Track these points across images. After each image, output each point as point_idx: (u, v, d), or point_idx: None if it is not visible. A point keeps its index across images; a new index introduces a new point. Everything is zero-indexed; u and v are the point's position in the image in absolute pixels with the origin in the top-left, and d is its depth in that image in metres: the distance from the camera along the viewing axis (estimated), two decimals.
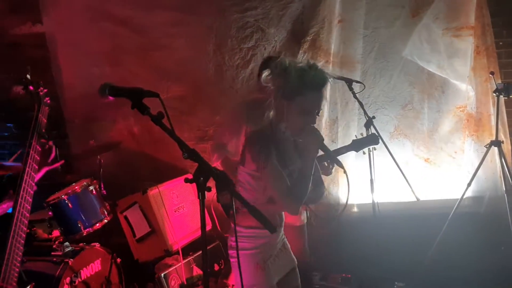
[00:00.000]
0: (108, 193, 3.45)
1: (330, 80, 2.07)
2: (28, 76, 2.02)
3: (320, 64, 3.66)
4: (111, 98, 1.63)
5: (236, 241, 2.02)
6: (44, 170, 1.91)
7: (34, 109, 1.93)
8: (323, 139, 2.12)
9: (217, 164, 2.99)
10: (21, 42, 4.14)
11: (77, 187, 3.21)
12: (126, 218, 3.52)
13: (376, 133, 2.94)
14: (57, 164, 1.90)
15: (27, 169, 1.72)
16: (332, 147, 3.71)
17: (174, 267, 3.40)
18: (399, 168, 2.99)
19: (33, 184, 1.73)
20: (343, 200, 3.87)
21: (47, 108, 1.96)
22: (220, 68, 3.85)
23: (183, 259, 3.43)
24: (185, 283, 3.40)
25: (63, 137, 4.13)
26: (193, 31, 3.81)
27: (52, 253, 3.06)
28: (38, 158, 1.77)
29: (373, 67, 3.81)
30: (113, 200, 3.48)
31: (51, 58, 4.02)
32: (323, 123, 3.81)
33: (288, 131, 2.13)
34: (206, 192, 1.53)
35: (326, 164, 2.86)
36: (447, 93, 3.78)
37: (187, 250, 3.52)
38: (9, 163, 3.64)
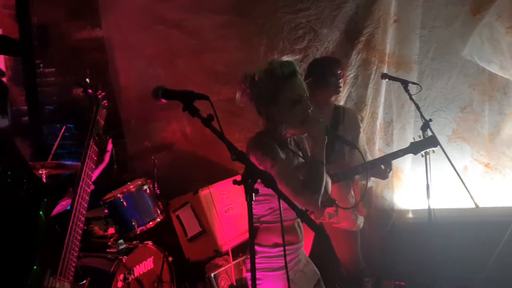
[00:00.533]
0: (161, 193, 3.54)
1: (295, 66, 2.07)
2: (87, 80, 2.11)
3: (374, 65, 3.64)
4: (163, 100, 1.68)
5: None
6: (100, 169, 1.97)
7: (93, 111, 2.00)
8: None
9: None
10: (81, 46, 4.32)
11: (132, 186, 3.30)
12: (178, 217, 3.58)
13: (434, 137, 2.84)
14: (102, 165, 1.96)
15: (84, 168, 1.79)
16: (387, 150, 3.63)
17: (224, 267, 3.42)
18: (457, 173, 2.86)
19: (90, 182, 1.80)
20: (397, 205, 3.77)
21: (104, 110, 2.05)
22: None
23: (233, 260, 3.45)
24: (235, 284, 3.42)
25: (120, 138, 4.27)
26: (244, 33, 3.82)
27: (107, 250, 3.16)
28: (95, 158, 1.84)
29: (430, 68, 3.68)
30: (166, 200, 3.55)
31: (108, 61, 4.17)
32: (377, 126, 3.72)
33: (289, 131, 2.09)
34: (254, 194, 1.53)
35: (383, 168, 2.79)
36: (510, 95, 3.58)
37: (237, 251, 3.53)
38: (68, 162, 3.80)
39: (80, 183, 1.78)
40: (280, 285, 2.08)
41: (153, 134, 4.04)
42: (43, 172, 2.96)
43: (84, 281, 1.77)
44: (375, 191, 3.75)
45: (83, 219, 1.77)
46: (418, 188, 3.24)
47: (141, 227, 3.22)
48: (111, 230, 3.34)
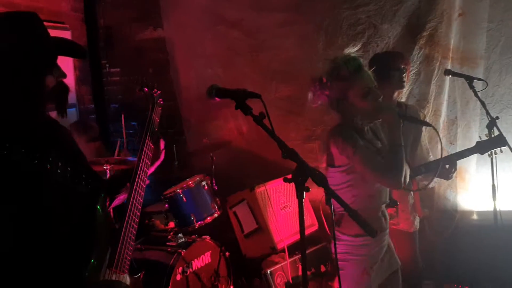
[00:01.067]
0: (219, 189, 3.61)
1: (359, 60, 2.14)
2: (144, 79, 2.20)
3: (437, 61, 3.51)
4: (217, 99, 1.73)
5: (335, 248, 2.00)
6: (156, 165, 2.05)
7: (149, 109, 2.08)
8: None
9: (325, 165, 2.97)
10: (144, 46, 4.49)
11: (191, 182, 3.39)
12: (235, 213, 3.63)
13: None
14: (158, 162, 2.04)
15: (140, 164, 1.86)
16: (450, 149, 3.49)
17: (280, 264, 3.43)
18: None
19: (146, 178, 1.86)
20: (461, 206, 3.62)
21: (160, 108, 2.11)
22: None
23: (289, 257, 3.45)
24: (291, 281, 3.42)
25: (180, 135, 4.40)
26: (302, 30, 3.80)
27: (167, 243, 3.27)
28: (151, 154, 1.90)
29: (498, 63, 3.49)
30: (223, 196, 3.61)
31: (169, 61, 4.29)
32: (440, 123, 3.58)
33: (365, 121, 2.16)
34: (305, 192, 1.53)
35: (448, 167, 2.69)
36: None
37: (293, 249, 3.53)
38: (131, 158, 3.96)
39: (136, 179, 1.83)
40: (357, 270, 2.17)
41: (212, 132, 4.11)
42: (108, 167, 3.11)
43: (139, 274, 1.82)
44: (437, 192, 3.62)
45: (138, 213, 1.81)
46: (484, 189, 3.09)
47: (199, 222, 3.30)
48: (171, 224, 3.44)
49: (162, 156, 2.04)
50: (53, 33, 4.23)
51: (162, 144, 2.04)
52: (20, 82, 1.50)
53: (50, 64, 1.58)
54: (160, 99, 2.17)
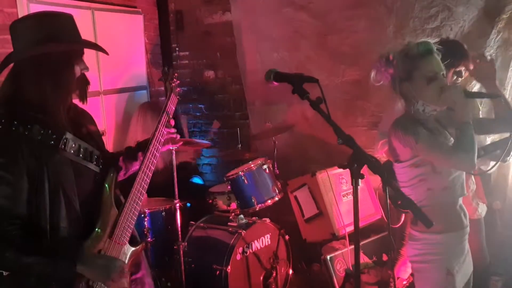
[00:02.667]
0: (280, 173, 3.63)
1: (432, 45, 2.05)
2: (166, 68, 2.31)
3: None
4: (275, 83, 1.74)
5: (390, 236, 2.01)
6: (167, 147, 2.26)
7: (166, 98, 2.23)
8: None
9: (381, 152, 2.90)
10: (212, 30, 4.56)
11: (252, 165, 3.44)
12: (295, 198, 3.64)
13: None
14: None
15: (153, 141, 2.02)
16: None
17: (341, 251, 3.40)
18: None
19: (154, 161, 2.00)
20: None
21: (177, 98, 2.29)
22: None
23: (350, 244, 3.42)
24: (351, 269, 3.39)
25: (244, 119, 4.45)
26: (372, 13, 3.69)
27: (229, 223, 3.35)
28: (162, 140, 2.08)
29: None
30: (284, 180, 3.63)
31: (236, 44, 4.33)
32: None
33: (428, 106, 2.07)
34: (365, 179, 1.51)
35: None
36: None
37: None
38: (198, 140, 4.08)
39: (147, 154, 1.98)
40: (438, 272, 2.08)
41: (275, 115, 4.12)
42: (173, 148, 3.21)
43: (139, 246, 1.96)
44: (510, 183, 3.42)
45: (143, 192, 1.96)
46: None
47: (260, 204, 3.35)
48: (233, 205, 3.52)
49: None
50: (126, 17, 4.42)
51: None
52: (53, 70, 1.71)
53: (78, 56, 1.79)
54: (178, 89, 2.28)
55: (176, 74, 2.31)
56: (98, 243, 1.79)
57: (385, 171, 1.47)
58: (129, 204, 1.89)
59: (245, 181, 3.37)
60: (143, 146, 2.07)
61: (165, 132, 2.08)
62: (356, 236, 1.53)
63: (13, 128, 1.63)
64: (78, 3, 3.66)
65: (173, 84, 2.26)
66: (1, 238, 1.61)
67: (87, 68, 1.82)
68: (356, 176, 1.48)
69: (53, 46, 1.70)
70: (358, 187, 1.51)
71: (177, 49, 4.78)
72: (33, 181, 1.64)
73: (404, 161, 2.08)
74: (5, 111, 1.68)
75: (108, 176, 1.88)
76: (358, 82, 3.84)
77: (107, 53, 1.88)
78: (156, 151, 2.01)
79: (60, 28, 1.73)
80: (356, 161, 1.48)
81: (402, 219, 3.00)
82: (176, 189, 3.13)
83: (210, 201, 3.66)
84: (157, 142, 2.02)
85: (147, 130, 3.62)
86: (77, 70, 1.79)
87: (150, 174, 1.97)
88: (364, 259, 3.49)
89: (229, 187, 3.48)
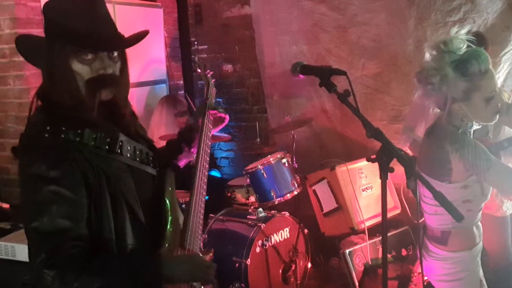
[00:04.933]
0: (299, 167, 3.62)
1: (488, 56, 1.85)
2: (196, 59, 2.18)
3: None
4: (301, 76, 1.72)
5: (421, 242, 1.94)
6: (218, 129, 2.00)
7: (205, 92, 2.07)
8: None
9: (405, 147, 2.87)
10: (231, 24, 4.56)
11: (271, 159, 3.43)
12: (314, 192, 3.63)
13: None
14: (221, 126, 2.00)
15: (203, 137, 1.81)
16: None
17: (360, 245, 3.39)
18: None
19: (209, 151, 1.80)
20: None
21: (214, 89, 2.09)
22: (421, 44, 3.62)
23: (369, 239, 3.41)
24: (370, 263, 3.38)
25: (263, 112, 4.45)
26: (392, 5, 3.65)
27: (248, 216, 3.35)
28: (210, 134, 1.86)
29: None
30: (303, 174, 3.63)
31: (255, 38, 4.33)
32: None
33: (480, 123, 1.95)
34: (389, 173, 1.50)
35: None
36: None
37: (374, 231, 3.48)
38: (218, 133, 4.09)
39: (202, 145, 1.77)
40: (478, 284, 2.07)
41: (294, 109, 4.12)
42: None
43: (210, 254, 1.76)
44: None
45: (204, 192, 1.75)
46: None
47: (279, 198, 3.35)
48: (252, 199, 3.53)
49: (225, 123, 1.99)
50: (146, 10, 4.44)
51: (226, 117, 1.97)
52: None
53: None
54: (213, 80, 2.11)
55: (208, 64, 2.16)
56: (172, 253, 1.59)
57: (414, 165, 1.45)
58: (194, 207, 1.67)
59: (264, 175, 3.37)
60: (186, 137, 1.85)
61: (211, 126, 1.86)
62: (384, 230, 1.53)
63: (62, 136, 1.37)
64: None
65: (209, 75, 2.10)
66: (67, 265, 1.31)
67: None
68: (385, 169, 1.47)
69: (101, 37, 1.43)
70: (385, 180, 1.50)
71: (195, 42, 4.78)
72: (91, 194, 1.39)
73: (455, 182, 1.94)
74: (48, 117, 1.41)
75: (168, 178, 1.64)
76: (378, 76, 3.81)
77: (145, 34, 1.56)
78: (208, 148, 1.79)
79: (100, 19, 1.46)
80: (385, 154, 1.46)
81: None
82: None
83: (229, 194, 3.67)
84: (206, 138, 1.80)
85: (169, 124, 3.64)
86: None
87: (206, 173, 1.76)
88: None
89: (248, 180, 3.48)
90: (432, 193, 1.40)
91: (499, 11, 3.37)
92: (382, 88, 3.79)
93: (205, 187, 1.75)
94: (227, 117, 1.95)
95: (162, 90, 4.49)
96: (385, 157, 1.47)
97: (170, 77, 4.67)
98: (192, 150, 1.85)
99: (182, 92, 4.88)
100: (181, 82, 4.88)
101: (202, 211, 1.71)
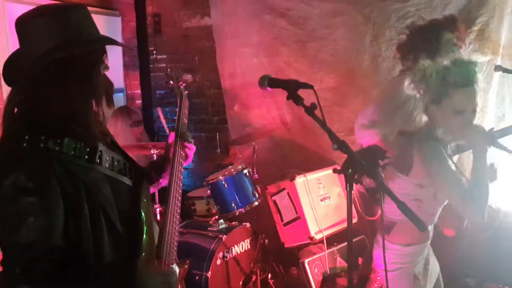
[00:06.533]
0: (260, 178, 3.65)
1: (479, 73, 1.91)
2: (169, 70, 2.20)
3: (487, 57, 3.42)
4: (269, 88, 1.75)
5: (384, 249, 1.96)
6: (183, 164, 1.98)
7: (177, 103, 2.06)
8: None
9: (362, 139, 2.96)
10: (191, 34, 4.56)
11: (232, 169, 3.45)
12: (275, 202, 3.67)
13: None
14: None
15: (176, 162, 1.82)
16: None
17: (318, 255, 3.45)
18: None
19: (183, 163, 1.84)
20: (504, 205, 3.53)
21: (187, 100, 2.09)
22: (376, 59, 3.77)
23: (327, 248, 3.47)
24: (328, 272, 3.44)
25: (223, 123, 4.46)
26: (350, 21, 3.79)
27: (208, 228, 3.34)
28: (184, 154, 1.88)
29: None
30: (264, 184, 3.66)
31: (216, 49, 4.35)
32: (487, 121, 3.51)
33: (448, 136, 2.01)
34: (354, 184, 1.54)
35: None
36: None
37: (332, 240, 3.56)
38: None
39: (176, 164, 1.80)
40: (407, 278, 2.15)
41: (254, 121, 4.15)
42: (155, 152, 3.20)
43: (185, 265, 1.82)
44: None
45: (179, 203, 1.77)
46: None
47: (240, 209, 3.36)
48: (212, 210, 3.52)
49: (191, 157, 1.94)
50: (103, 19, 4.36)
51: (193, 148, 1.93)
52: (80, 74, 1.44)
53: (102, 55, 1.52)
54: (186, 91, 2.11)
55: (181, 77, 2.16)
56: (148, 265, 1.57)
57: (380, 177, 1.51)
58: (169, 217, 1.69)
59: (225, 185, 3.38)
60: (157, 167, 1.88)
61: (183, 154, 1.87)
62: (349, 239, 1.58)
63: (41, 145, 1.34)
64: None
65: (182, 87, 2.10)
66: (42, 280, 1.28)
67: (107, 67, 1.55)
68: (350, 181, 1.51)
69: (82, 46, 1.42)
70: (351, 191, 1.54)
71: (154, 52, 4.75)
72: (69, 205, 1.35)
73: (412, 178, 2.03)
74: (26, 126, 1.37)
75: (144, 190, 1.63)
76: (336, 89, 3.92)
77: (131, 49, 1.60)
78: (181, 166, 1.82)
79: (81, 24, 1.45)
80: (350, 166, 1.51)
81: (379, 212, 3.06)
82: (157, 194, 3.11)
83: (189, 206, 3.65)
84: (179, 157, 1.82)
85: (126, 134, 3.58)
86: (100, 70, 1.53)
87: (181, 184, 1.78)
88: (340, 263, 3.56)
89: (208, 191, 3.48)
90: (396, 204, 1.46)
91: None
92: (339, 101, 3.90)
93: (180, 198, 1.76)
94: (193, 148, 1.94)
95: (119, 99, 4.42)
96: (350, 168, 1.52)
97: (128, 87, 4.60)
98: (161, 180, 1.87)
99: (139, 101, 4.82)
100: (139, 91, 4.82)
101: (178, 222, 1.71)
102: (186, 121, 2.01)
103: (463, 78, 1.90)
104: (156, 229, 1.65)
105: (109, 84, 1.55)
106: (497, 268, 3.39)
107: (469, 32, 3.47)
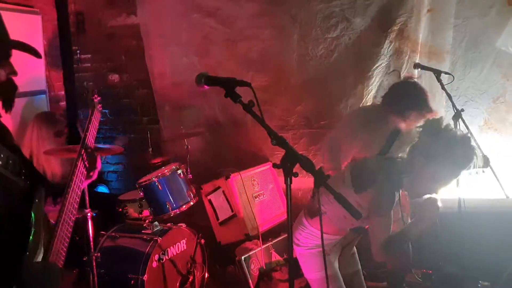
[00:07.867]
0: (194, 177, 3.64)
1: (474, 160, 1.99)
2: (85, 84, 2.19)
3: (407, 55, 3.64)
4: (206, 87, 1.75)
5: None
6: (87, 182, 2.00)
7: (89, 114, 2.07)
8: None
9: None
10: (116, 33, 4.44)
11: (166, 170, 3.39)
12: (210, 201, 3.67)
13: (466, 127, 2.84)
14: (89, 180, 1.98)
15: (74, 179, 1.83)
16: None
17: (254, 251, 3.50)
18: (488, 162, 2.86)
19: (81, 186, 1.84)
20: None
21: (99, 114, 2.10)
22: (304, 58, 3.88)
23: (263, 244, 3.53)
24: (264, 267, 3.50)
25: (155, 123, 4.39)
26: (278, 21, 3.87)
27: (143, 231, 3.26)
28: (87, 165, 1.90)
29: (463, 58, 3.65)
30: (199, 184, 3.65)
31: (144, 48, 4.26)
32: None
33: (409, 185, 2.10)
34: (292, 177, 1.58)
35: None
36: None
37: (267, 236, 3.62)
38: (102, 145, 3.92)
39: (68, 196, 1.78)
40: (317, 260, 2.30)
41: (187, 120, 4.13)
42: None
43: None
44: None
45: (74, 211, 1.78)
46: None
47: (175, 210, 3.32)
48: (146, 213, 3.45)
49: (95, 176, 1.96)
50: (22, 17, 4.13)
51: (99, 163, 1.95)
52: None
53: (3, 58, 1.52)
54: (100, 105, 2.13)
55: (95, 90, 2.16)
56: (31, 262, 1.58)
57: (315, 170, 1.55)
58: (61, 224, 1.68)
59: (159, 187, 3.32)
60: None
61: (84, 171, 1.87)
62: (289, 231, 1.61)
63: None
64: None
65: (95, 100, 2.10)
66: None
67: (14, 73, 1.55)
68: (289, 175, 1.55)
69: None
70: (289, 184, 1.58)
71: (78, 51, 4.57)
72: None
73: (358, 197, 2.10)
74: None
75: (36, 192, 1.64)
76: (266, 88, 3.98)
77: (39, 56, 1.60)
78: (82, 176, 1.84)
79: None
80: (288, 160, 1.55)
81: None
82: (87, 198, 2.99)
83: (120, 209, 3.55)
84: (81, 166, 1.84)
85: (43, 142, 3.40)
86: (2, 74, 1.53)
87: (79, 192, 1.80)
88: (276, 257, 3.63)
89: (141, 193, 3.40)
90: (333, 195, 1.52)
91: (370, 30, 3.74)
92: (270, 100, 3.96)
93: (76, 207, 1.78)
94: (99, 165, 1.96)
95: (42, 101, 4.20)
96: (289, 163, 1.56)
97: (51, 88, 4.38)
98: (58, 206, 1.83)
99: (63, 103, 4.61)
100: (62, 92, 4.61)
101: (70, 230, 1.73)
102: (95, 133, 2.03)
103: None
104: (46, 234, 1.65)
105: (11, 88, 1.55)
106: (421, 253, 3.60)
107: (390, 31, 3.68)
